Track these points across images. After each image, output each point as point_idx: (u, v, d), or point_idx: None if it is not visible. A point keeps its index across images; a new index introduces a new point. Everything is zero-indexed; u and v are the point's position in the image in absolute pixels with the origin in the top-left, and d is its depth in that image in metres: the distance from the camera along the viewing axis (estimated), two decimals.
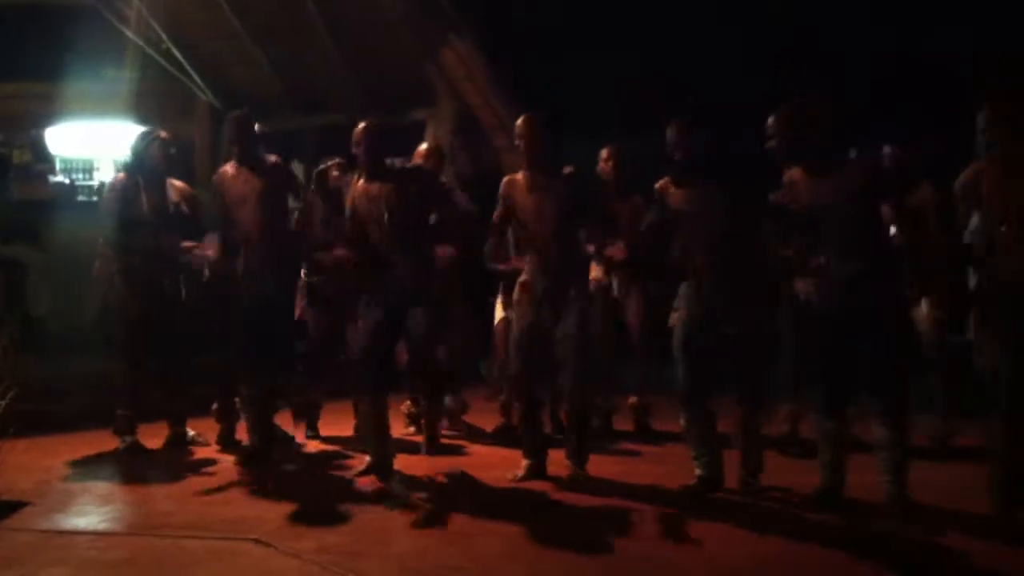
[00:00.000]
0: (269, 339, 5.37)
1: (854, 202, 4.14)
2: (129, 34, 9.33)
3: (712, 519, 4.21)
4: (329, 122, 9.77)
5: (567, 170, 4.92)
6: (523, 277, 4.94)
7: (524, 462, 4.96)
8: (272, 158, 5.51)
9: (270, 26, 9.35)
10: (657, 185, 4.67)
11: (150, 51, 9.63)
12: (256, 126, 5.60)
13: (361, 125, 5.08)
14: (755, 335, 4.55)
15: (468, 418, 6.39)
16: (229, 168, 5.44)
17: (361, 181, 5.05)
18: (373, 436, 5.02)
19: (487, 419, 6.36)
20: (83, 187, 10.25)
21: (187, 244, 5.61)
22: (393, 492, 4.70)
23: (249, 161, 5.41)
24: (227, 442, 5.79)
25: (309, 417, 6.16)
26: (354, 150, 5.07)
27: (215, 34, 9.50)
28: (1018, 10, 8.29)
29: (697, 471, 4.54)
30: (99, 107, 9.65)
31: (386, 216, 4.92)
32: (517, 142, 4.92)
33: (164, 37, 9.54)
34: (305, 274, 6.05)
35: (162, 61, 9.78)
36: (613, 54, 9.58)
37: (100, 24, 9.47)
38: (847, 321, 4.17)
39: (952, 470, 4.99)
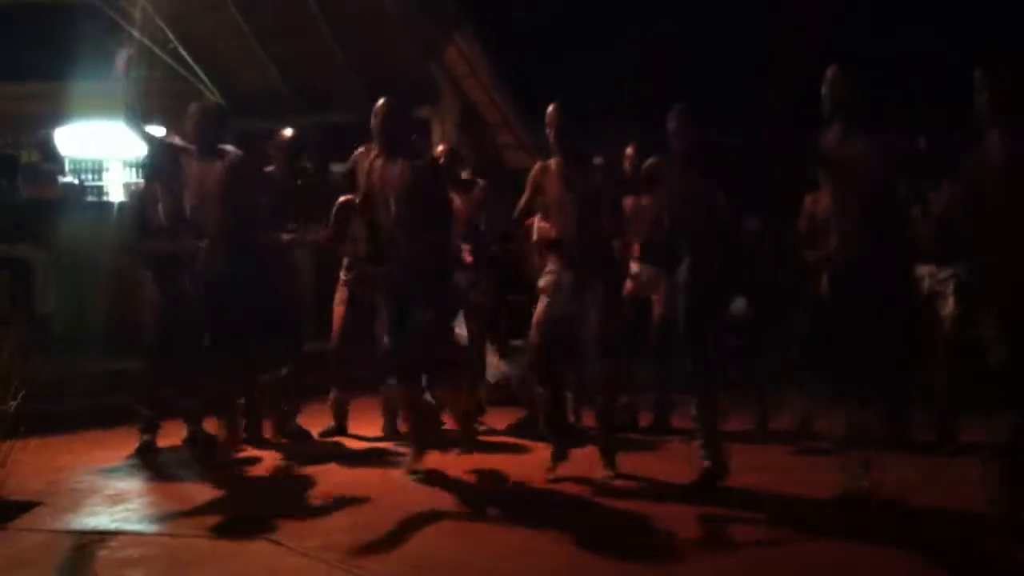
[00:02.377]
0: (225, 329, 5.31)
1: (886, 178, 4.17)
2: (136, 34, 9.33)
3: (726, 515, 4.22)
4: (333, 121, 9.80)
5: (598, 160, 4.90)
6: (549, 266, 4.95)
7: (550, 451, 4.96)
8: (232, 149, 5.43)
9: (275, 26, 9.37)
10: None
11: (158, 51, 9.64)
12: (219, 118, 5.61)
13: (381, 100, 5.03)
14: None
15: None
16: (192, 158, 5.38)
17: (378, 159, 5.00)
18: (414, 427, 5.08)
19: (498, 416, 6.38)
20: (92, 187, 10.28)
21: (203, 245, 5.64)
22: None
23: (208, 151, 5.34)
24: (255, 438, 5.81)
25: (338, 414, 6.18)
26: (372, 122, 5.01)
27: (221, 34, 9.52)
28: (1018, 10, 8.28)
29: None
30: (107, 107, 9.65)
31: (395, 198, 4.90)
32: (547, 131, 4.89)
33: (171, 37, 9.56)
34: (345, 272, 6.08)
35: (170, 61, 9.81)
36: (615, 49, 9.59)
37: (107, 24, 9.48)
38: (867, 309, 4.18)
39: (958, 467, 5.01)
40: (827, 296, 4.40)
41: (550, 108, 4.87)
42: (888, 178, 4.28)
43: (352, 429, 6.16)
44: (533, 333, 4.90)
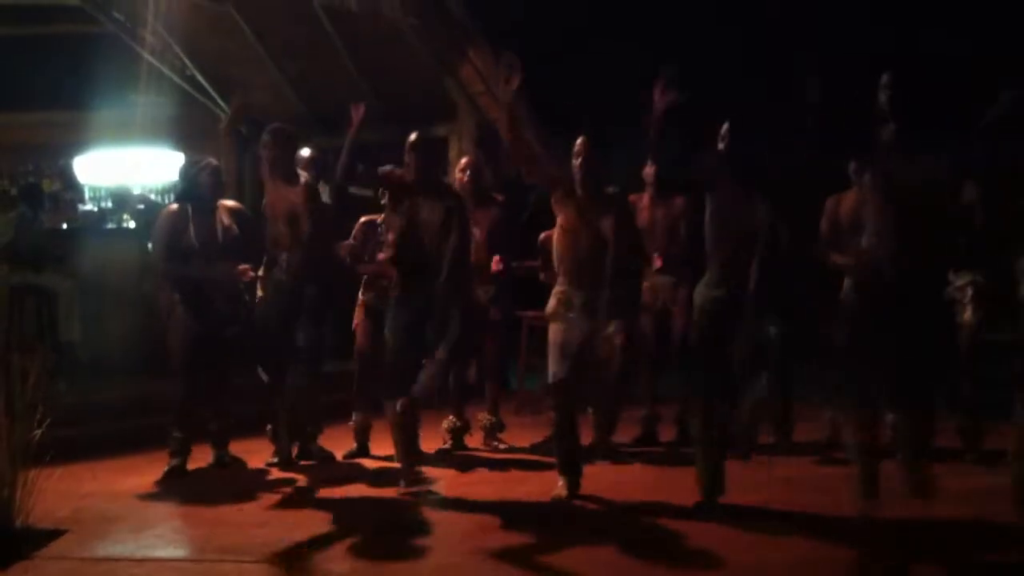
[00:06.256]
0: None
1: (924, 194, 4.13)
2: (152, 60, 9.42)
3: (753, 530, 4.18)
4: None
5: (611, 189, 4.94)
6: (558, 288, 4.94)
7: (560, 480, 4.88)
8: (304, 175, 5.62)
9: (290, 48, 9.43)
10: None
11: (174, 77, 9.72)
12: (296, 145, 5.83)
13: (412, 137, 5.17)
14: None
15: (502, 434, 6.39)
16: (273, 182, 5.64)
17: (412, 194, 5.14)
18: (399, 443, 5.11)
19: (520, 434, 6.36)
20: (112, 214, 10.36)
21: (242, 268, 5.65)
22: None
23: (286, 176, 5.57)
24: (285, 460, 5.83)
25: (360, 436, 6.16)
26: (406, 159, 5.18)
27: (236, 58, 9.58)
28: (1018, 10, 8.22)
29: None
30: (125, 134, 9.75)
31: (440, 232, 5.04)
32: (574, 161, 4.92)
33: (187, 62, 9.64)
34: (362, 292, 6.12)
35: (185, 86, 9.87)
36: (630, 63, 9.59)
37: (124, 52, 9.57)
38: (898, 317, 4.14)
39: (983, 474, 4.96)
40: (859, 303, 4.34)
41: (579, 141, 4.92)
42: (938, 195, 4.24)
43: (376, 450, 6.15)
44: (551, 362, 4.88)
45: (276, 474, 5.64)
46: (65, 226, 9.65)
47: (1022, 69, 4.47)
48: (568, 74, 9.88)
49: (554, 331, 4.91)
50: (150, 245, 6.00)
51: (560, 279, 4.95)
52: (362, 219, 6.16)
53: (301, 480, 5.50)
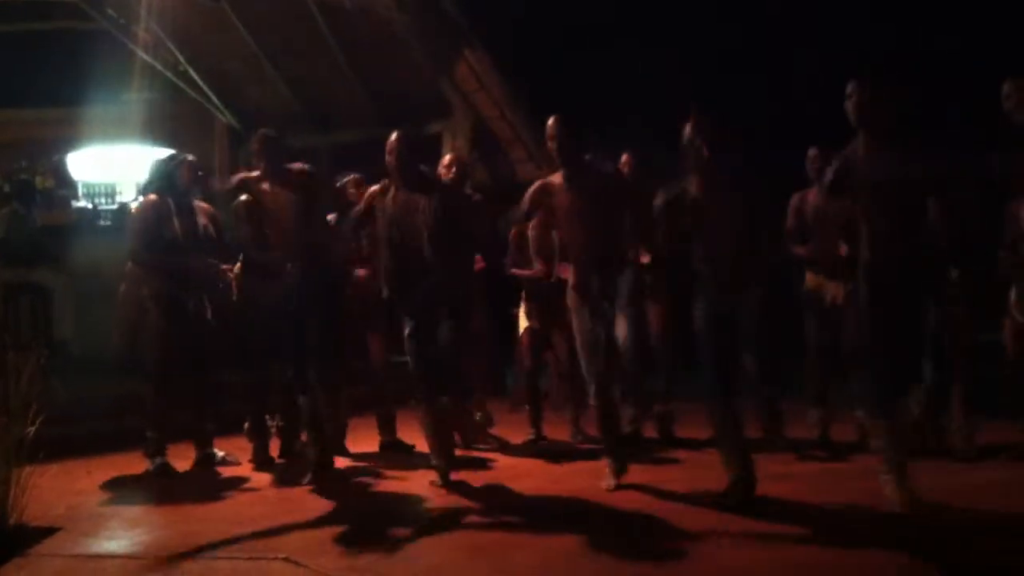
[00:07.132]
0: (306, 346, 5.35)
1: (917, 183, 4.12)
2: (146, 58, 9.41)
3: (743, 525, 4.18)
4: (345, 138, 9.84)
5: (588, 157, 4.85)
6: (572, 280, 4.90)
7: (609, 467, 4.89)
8: (299, 167, 5.41)
9: (285, 46, 9.42)
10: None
11: (168, 74, 9.71)
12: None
13: (394, 134, 5.07)
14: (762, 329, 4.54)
15: (494, 430, 6.39)
16: (264, 185, 5.37)
17: (395, 191, 5.06)
18: (434, 443, 5.10)
19: (513, 431, 6.36)
20: (105, 211, 10.34)
21: (224, 267, 5.71)
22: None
23: (279, 176, 5.34)
24: (261, 460, 5.83)
25: (334, 433, 6.17)
26: (387, 159, 5.07)
27: (231, 55, 9.58)
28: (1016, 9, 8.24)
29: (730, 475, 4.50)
30: (119, 131, 9.73)
31: (429, 226, 4.94)
32: (548, 144, 4.83)
33: (181, 59, 9.62)
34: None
35: (180, 83, 9.87)
36: (627, 61, 9.61)
37: (118, 49, 9.56)
38: (898, 309, 4.15)
39: (977, 470, 4.97)
40: (856, 303, 4.35)
41: (550, 121, 4.83)
42: (919, 193, 4.23)
43: (355, 447, 6.15)
44: (585, 362, 4.86)
45: (269, 472, 5.63)
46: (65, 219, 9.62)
47: (1021, 68, 4.46)
48: (566, 72, 9.88)
49: (575, 326, 4.86)
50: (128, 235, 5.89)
51: (572, 269, 4.92)
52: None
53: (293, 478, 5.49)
